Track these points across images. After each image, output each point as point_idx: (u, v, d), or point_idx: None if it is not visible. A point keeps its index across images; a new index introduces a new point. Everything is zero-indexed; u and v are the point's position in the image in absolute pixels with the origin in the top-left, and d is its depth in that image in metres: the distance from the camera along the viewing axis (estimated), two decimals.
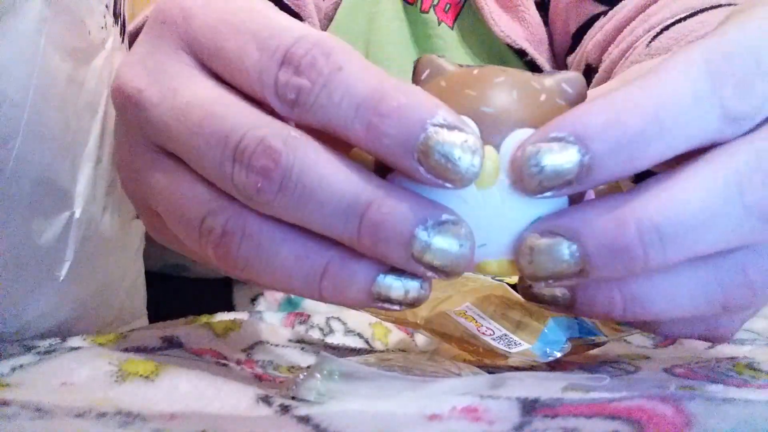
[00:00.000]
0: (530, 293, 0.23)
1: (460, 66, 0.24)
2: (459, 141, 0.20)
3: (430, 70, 0.23)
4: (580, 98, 0.23)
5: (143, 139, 0.25)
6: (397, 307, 0.22)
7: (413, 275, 0.21)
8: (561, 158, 0.20)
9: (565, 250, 0.20)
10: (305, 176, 0.20)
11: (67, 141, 0.30)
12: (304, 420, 0.19)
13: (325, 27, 0.56)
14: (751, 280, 0.21)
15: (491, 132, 0.21)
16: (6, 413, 0.19)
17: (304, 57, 0.21)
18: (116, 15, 0.34)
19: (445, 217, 0.20)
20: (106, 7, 0.32)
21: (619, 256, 0.20)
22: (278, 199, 0.21)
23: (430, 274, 0.21)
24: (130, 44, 0.40)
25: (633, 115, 0.20)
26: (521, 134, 0.21)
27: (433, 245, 0.20)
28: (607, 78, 0.50)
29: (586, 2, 0.54)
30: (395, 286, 0.21)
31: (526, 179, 0.20)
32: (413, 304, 0.22)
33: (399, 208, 0.20)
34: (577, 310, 0.22)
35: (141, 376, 0.24)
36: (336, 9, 0.57)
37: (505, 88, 0.22)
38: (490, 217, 0.21)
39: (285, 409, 0.21)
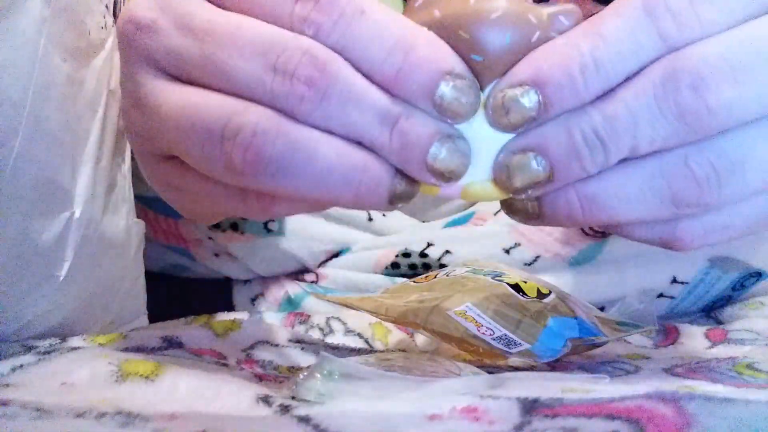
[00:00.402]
0: (510, 207, 0.26)
1: None
2: (466, 87, 0.23)
3: None
4: None
5: (154, 69, 0.25)
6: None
7: None
8: (523, 101, 0.23)
9: (533, 161, 0.24)
10: (349, 85, 0.22)
11: (67, 141, 0.30)
12: (304, 420, 0.19)
13: None
14: (694, 172, 0.23)
15: (478, 77, 0.24)
16: (6, 413, 0.19)
17: None
18: (116, 15, 0.34)
19: (453, 132, 0.24)
20: (106, 7, 0.32)
21: (572, 159, 0.24)
22: (322, 107, 0.22)
23: (433, 180, 0.24)
24: None
25: (574, 57, 0.23)
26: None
27: (443, 154, 0.23)
28: None
29: (586, 2, 0.54)
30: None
31: (500, 120, 0.24)
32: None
33: (423, 120, 0.23)
34: (544, 217, 0.25)
35: (141, 376, 0.24)
36: None
37: (498, 29, 0.24)
38: (475, 143, 0.24)
39: (285, 409, 0.21)
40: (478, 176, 0.25)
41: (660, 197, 0.24)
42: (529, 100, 0.23)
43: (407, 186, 0.24)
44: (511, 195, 0.25)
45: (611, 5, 0.24)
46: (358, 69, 0.23)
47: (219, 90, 0.23)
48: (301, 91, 0.22)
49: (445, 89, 0.23)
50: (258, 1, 0.23)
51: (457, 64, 0.23)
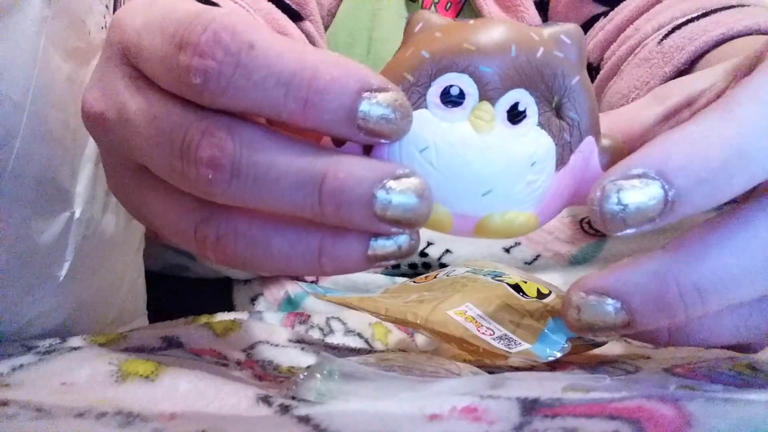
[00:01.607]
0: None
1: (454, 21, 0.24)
2: (392, 99, 0.21)
3: (423, 23, 0.24)
4: (578, 49, 0.24)
5: (121, 158, 0.25)
6: (394, 261, 0.22)
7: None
8: (644, 195, 0.20)
9: (611, 308, 0.21)
10: (255, 158, 0.20)
11: (67, 141, 0.30)
12: (304, 420, 0.19)
13: (327, 23, 0.56)
14: None
15: (488, 90, 0.22)
16: (6, 413, 0.19)
17: (203, 35, 0.20)
18: None
19: (399, 172, 0.21)
20: (106, 7, 0.32)
21: (661, 312, 0.21)
22: (233, 186, 0.20)
23: (394, 229, 0.21)
24: None
25: (715, 147, 0.20)
26: (516, 94, 0.23)
27: (394, 201, 0.20)
28: (612, 75, 0.50)
29: (586, 3, 0.54)
30: (388, 244, 0.21)
31: (609, 218, 0.21)
32: (409, 254, 0.22)
33: (354, 172, 0.20)
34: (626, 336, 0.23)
35: (141, 376, 0.24)
36: (338, 5, 0.57)
37: (503, 40, 0.23)
38: (493, 160, 0.22)
39: (285, 409, 0.21)
40: (499, 204, 0.23)
41: (755, 331, 0.23)
42: (652, 194, 0.20)
43: (388, 245, 0.22)
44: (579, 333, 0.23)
45: (737, 90, 0.21)
46: (261, 114, 0.21)
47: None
48: (206, 174, 0.20)
49: (367, 107, 0.20)
50: (156, 65, 0.22)
51: (373, 77, 0.21)
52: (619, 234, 0.21)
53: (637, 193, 0.20)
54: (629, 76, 0.48)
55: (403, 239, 0.22)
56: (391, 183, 0.20)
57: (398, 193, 0.20)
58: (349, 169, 0.20)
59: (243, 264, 0.22)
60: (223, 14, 0.20)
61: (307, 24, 0.52)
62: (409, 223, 0.21)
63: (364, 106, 0.20)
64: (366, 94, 0.20)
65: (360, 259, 0.21)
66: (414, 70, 0.23)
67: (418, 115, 0.22)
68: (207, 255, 0.23)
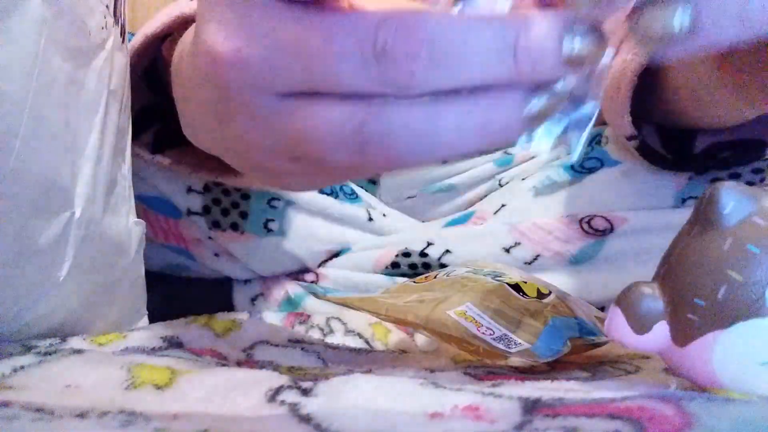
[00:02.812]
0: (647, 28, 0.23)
1: None
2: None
3: None
4: None
5: (259, 97, 0.24)
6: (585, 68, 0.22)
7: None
8: None
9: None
10: (449, 40, 0.21)
11: (67, 141, 0.30)
12: (306, 420, 0.19)
13: None
14: None
15: None
16: (6, 414, 0.19)
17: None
18: (116, 15, 0.34)
19: (577, 18, 0.21)
20: (107, 7, 0.32)
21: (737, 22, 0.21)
22: (434, 73, 0.21)
23: (575, 70, 0.22)
24: (146, 48, 0.40)
25: None
26: None
27: (578, 45, 0.21)
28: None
29: None
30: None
31: None
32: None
33: (542, 28, 0.21)
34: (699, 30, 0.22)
35: (155, 384, 0.24)
36: None
37: None
38: None
39: (287, 409, 0.21)
40: None
41: None
42: None
43: (544, 102, 0.22)
44: None
45: None
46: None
47: (331, 93, 0.23)
48: (408, 69, 0.21)
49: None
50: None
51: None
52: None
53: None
54: None
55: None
56: (574, 31, 0.21)
57: (581, 39, 0.21)
58: (536, 26, 0.21)
59: (415, 157, 0.22)
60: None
61: None
62: (590, 60, 0.21)
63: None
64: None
65: (555, 57, 0.22)
66: None
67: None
68: (372, 159, 0.22)
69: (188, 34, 0.27)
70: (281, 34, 0.22)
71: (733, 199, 0.21)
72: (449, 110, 0.22)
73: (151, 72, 0.43)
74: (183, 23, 0.39)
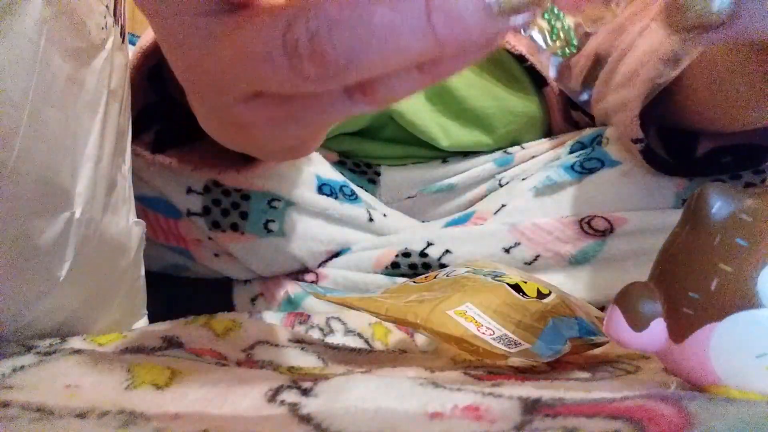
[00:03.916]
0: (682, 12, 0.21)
1: None
2: None
3: None
4: None
5: (193, 7, 0.23)
6: (520, 18, 0.19)
7: None
8: None
9: None
10: (356, 31, 0.19)
11: (67, 141, 0.30)
12: (306, 420, 0.19)
13: None
14: None
15: None
16: (6, 414, 0.19)
17: None
18: (116, 15, 0.34)
19: None
20: (106, 7, 0.32)
21: None
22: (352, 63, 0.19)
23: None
24: (146, 56, 0.40)
25: None
26: None
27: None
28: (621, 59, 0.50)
29: None
30: None
31: None
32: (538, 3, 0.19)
33: None
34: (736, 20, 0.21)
35: (154, 384, 0.24)
36: None
37: None
38: None
39: (287, 409, 0.21)
40: None
41: None
42: None
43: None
44: None
45: None
46: None
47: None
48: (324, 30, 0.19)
49: None
50: None
51: None
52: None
53: None
54: None
55: None
56: None
57: None
58: None
59: (347, 62, 0.20)
60: None
61: None
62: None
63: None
64: None
65: (478, 11, 0.19)
66: None
67: None
68: (305, 71, 0.20)
69: None
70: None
71: (720, 199, 0.22)
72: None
73: (156, 72, 0.43)
74: None
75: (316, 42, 0.20)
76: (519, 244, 0.46)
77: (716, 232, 0.22)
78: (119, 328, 0.37)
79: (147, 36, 0.41)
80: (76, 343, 0.30)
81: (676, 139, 0.47)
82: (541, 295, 0.35)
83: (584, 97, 0.55)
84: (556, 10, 0.21)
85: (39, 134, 0.27)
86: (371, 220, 0.50)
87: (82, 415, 0.19)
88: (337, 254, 0.49)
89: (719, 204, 0.22)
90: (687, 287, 0.22)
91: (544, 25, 0.21)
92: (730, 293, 0.21)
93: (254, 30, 0.21)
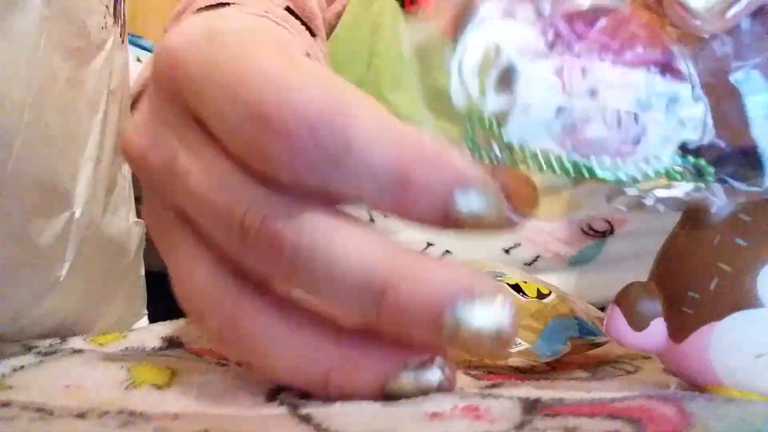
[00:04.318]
0: None
1: None
2: (487, 196, 0.19)
3: None
4: None
5: (161, 199, 0.23)
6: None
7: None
8: None
9: None
10: (315, 255, 0.19)
11: (67, 141, 0.30)
12: (306, 419, 0.19)
13: (327, 36, 0.56)
14: None
15: None
16: (6, 415, 0.19)
17: (296, 127, 0.18)
18: (116, 15, 0.34)
19: (477, 289, 0.18)
20: (106, 7, 0.32)
21: None
22: (291, 278, 0.20)
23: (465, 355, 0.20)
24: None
25: None
26: None
27: (466, 327, 0.18)
28: None
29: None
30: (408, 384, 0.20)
31: None
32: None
33: (424, 287, 0.18)
34: None
35: (154, 385, 0.24)
36: (338, 19, 0.56)
37: None
38: None
39: (287, 408, 0.21)
40: None
41: None
42: None
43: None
44: None
45: None
46: (345, 198, 0.19)
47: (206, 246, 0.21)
48: (265, 262, 0.19)
49: (461, 206, 0.19)
50: (230, 138, 0.20)
51: (470, 170, 0.19)
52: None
53: None
54: None
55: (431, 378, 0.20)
56: (465, 305, 0.18)
57: (475, 318, 0.18)
58: (413, 286, 0.18)
59: (244, 358, 0.21)
60: (315, 94, 0.18)
61: (318, 41, 0.52)
62: (485, 353, 0.20)
63: (456, 206, 0.19)
64: (459, 191, 0.19)
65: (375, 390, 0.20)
66: None
67: None
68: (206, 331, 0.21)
69: None
70: (184, 154, 0.21)
71: (719, 199, 0.22)
72: (294, 338, 0.20)
73: None
74: None
75: (226, 338, 0.21)
76: (519, 244, 0.46)
77: (716, 231, 0.22)
78: (119, 328, 0.37)
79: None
80: (76, 343, 0.30)
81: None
82: (541, 295, 0.35)
83: None
84: None
85: (39, 134, 0.27)
86: (372, 220, 0.50)
87: (82, 415, 0.19)
88: None
89: (718, 204, 0.22)
90: (687, 287, 0.22)
91: None
92: (729, 293, 0.21)
93: (201, 269, 0.22)
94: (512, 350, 0.31)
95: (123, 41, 0.35)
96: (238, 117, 0.19)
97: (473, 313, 0.18)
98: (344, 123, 0.18)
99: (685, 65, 0.20)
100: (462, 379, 0.28)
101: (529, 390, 0.22)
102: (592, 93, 0.20)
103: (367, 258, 0.19)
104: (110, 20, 0.33)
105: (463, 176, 0.19)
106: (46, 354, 0.27)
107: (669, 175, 0.20)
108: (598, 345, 0.34)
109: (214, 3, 0.48)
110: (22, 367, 0.25)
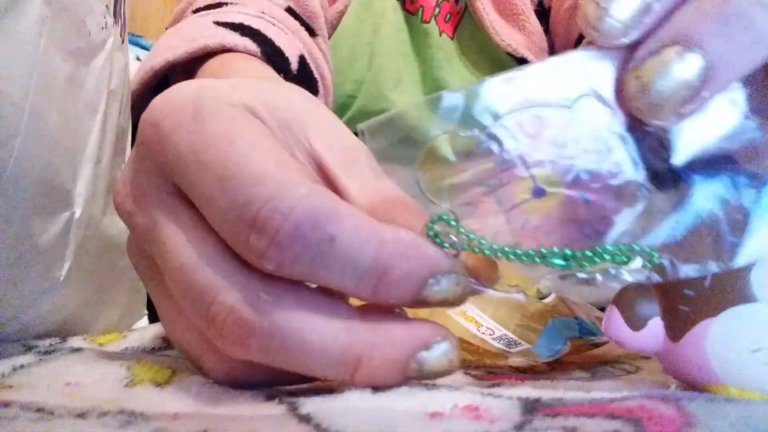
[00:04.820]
0: None
1: None
2: (456, 282, 0.21)
3: None
4: None
5: (145, 251, 0.24)
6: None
7: None
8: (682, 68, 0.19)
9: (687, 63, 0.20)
10: (284, 339, 0.20)
11: (67, 141, 0.30)
12: (305, 419, 0.19)
13: (329, 35, 0.56)
14: None
15: None
16: (6, 414, 0.19)
17: (283, 225, 0.19)
18: (116, 15, 0.34)
19: (433, 341, 0.21)
20: (106, 7, 0.32)
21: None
22: (263, 358, 0.20)
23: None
24: (136, 102, 0.40)
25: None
26: None
27: (426, 368, 0.21)
28: None
29: None
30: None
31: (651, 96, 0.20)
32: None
33: (392, 351, 0.20)
34: None
35: (153, 382, 0.24)
36: (340, 18, 0.56)
37: None
38: None
39: (287, 408, 0.21)
40: None
41: None
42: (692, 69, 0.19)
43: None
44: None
45: None
46: (334, 287, 0.20)
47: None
48: (233, 345, 0.20)
49: (431, 291, 0.20)
50: (217, 220, 0.20)
51: (444, 261, 0.21)
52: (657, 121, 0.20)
53: (676, 67, 0.19)
54: None
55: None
56: (424, 354, 0.21)
57: (432, 361, 0.21)
58: (383, 353, 0.20)
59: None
60: (304, 198, 0.19)
61: (319, 40, 0.52)
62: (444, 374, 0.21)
63: (428, 291, 0.21)
64: (432, 281, 0.20)
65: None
66: None
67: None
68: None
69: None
70: (162, 236, 0.22)
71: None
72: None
73: (164, 86, 0.43)
74: (204, 55, 0.40)
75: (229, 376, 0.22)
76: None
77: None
78: (119, 328, 0.37)
79: (156, 56, 0.41)
80: (76, 342, 0.30)
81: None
82: (541, 295, 0.35)
83: None
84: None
85: (39, 134, 0.27)
86: None
87: (82, 415, 0.19)
88: None
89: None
90: (682, 284, 0.22)
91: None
92: (724, 289, 0.21)
93: (183, 327, 0.22)
94: (512, 350, 0.31)
95: (123, 41, 0.35)
96: (227, 208, 0.20)
97: (430, 356, 0.21)
98: (329, 220, 0.19)
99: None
100: (462, 379, 0.28)
101: (529, 390, 0.22)
102: None
103: (341, 338, 0.20)
104: (110, 20, 0.33)
105: (436, 266, 0.20)
106: (45, 353, 0.27)
107: (615, 260, 0.21)
108: (598, 345, 0.34)
109: (213, 3, 0.48)
110: (21, 366, 0.25)
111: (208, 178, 0.20)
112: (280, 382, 0.22)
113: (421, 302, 0.21)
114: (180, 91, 0.23)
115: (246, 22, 0.43)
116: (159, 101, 0.22)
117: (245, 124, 0.21)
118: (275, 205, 0.19)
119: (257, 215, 0.19)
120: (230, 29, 0.42)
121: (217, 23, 0.43)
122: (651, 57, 0.20)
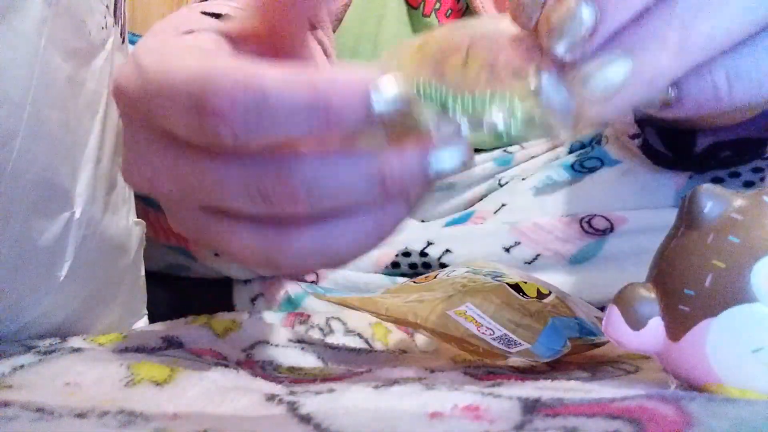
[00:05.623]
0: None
1: None
2: (396, 90, 0.22)
3: None
4: None
5: (179, 210, 0.25)
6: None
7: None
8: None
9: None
10: (323, 179, 0.22)
11: (67, 141, 0.30)
12: (306, 419, 0.19)
13: (334, 28, 0.56)
14: None
15: None
16: (6, 414, 0.19)
17: (219, 102, 0.21)
18: (116, 15, 0.34)
19: (436, 146, 0.22)
20: (107, 7, 0.32)
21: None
22: (314, 206, 0.22)
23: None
24: None
25: None
26: None
27: (441, 168, 0.22)
28: None
29: None
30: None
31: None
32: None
33: (405, 163, 0.22)
34: (683, 102, 0.23)
35: (153, 381, 0.24)
36: (345, 11, 0.57)
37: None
38: None
39: (287, 408, 0.21)
40: None
41: None
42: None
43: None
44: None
45: None
46: (294, 139, 0.22)
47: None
48: (290, 209, 0.22)
49: (378, 104, 0.21)
50: (180, 130, 0.22)
51: (374, 74, 0.22)
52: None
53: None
54: None
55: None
56: (435, 155, 0.22)
57: (445, 161, 0.22)
58: (400, 162, 0.22)
59: (319, 266, 0.24)
60: (226, 71, 0.21)
61: (318, 33, 0.52)
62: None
63: (376, 105, 0.21)
64: (374, 93, 0.21)
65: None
66: None
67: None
68: (285, 271, 0.23)
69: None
70: (180, 171, 0.23)
71: (711, 200, 0.23)
72: (342, 227, 0.23)
73: None
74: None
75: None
76: (519, 243, 0.46)
77: (709, 230, 0.22)
78: (119, 328, 0.37)
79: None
80: (76, 342, 0.30)
81: (675, 137, 0.47)
82: (541, 295, 0.35)
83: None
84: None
85: (39, 134, 0.27)
86: None
87: (82, 415, 0.19)
88: None
89: (711, 204, 0.23)
90: (682, 284, 0.22)
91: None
92: (724, 288, 0.21)
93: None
94: (512, 350, 0.31)
95: (123, 41, 0.35)
96: (180, 114, 0.22)
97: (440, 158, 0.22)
98: (254, 80, 0.21)
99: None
100: (462, 379, 0.28)
101: (529, 390, 0.22)
102: None
103: (365, 164, 0.22)
104: (110, 20, 0.33)
105: (371, 78, 0.22)
106: (45, 353, 0.27)
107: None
108: (597, 345, 0.34)
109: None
110: (21, 366, 0.25)
111: (163, 101, 0.22)
112: None
113: (372, 119, 0.21)
114: (128, 58, 0.25)
115: (232, 14, 0.43)
116: (116, 69, 0.25)
117: (174, 46, 0.24)
118: (208, 91, 0.21)
119: (198, 106, 0.21)
120: (216, 18, 0.42)
121: (204, 13, 0.43)
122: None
